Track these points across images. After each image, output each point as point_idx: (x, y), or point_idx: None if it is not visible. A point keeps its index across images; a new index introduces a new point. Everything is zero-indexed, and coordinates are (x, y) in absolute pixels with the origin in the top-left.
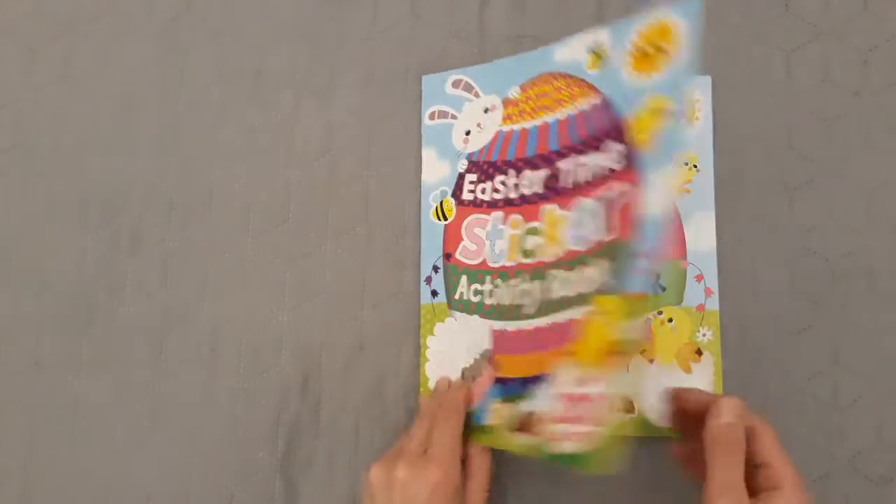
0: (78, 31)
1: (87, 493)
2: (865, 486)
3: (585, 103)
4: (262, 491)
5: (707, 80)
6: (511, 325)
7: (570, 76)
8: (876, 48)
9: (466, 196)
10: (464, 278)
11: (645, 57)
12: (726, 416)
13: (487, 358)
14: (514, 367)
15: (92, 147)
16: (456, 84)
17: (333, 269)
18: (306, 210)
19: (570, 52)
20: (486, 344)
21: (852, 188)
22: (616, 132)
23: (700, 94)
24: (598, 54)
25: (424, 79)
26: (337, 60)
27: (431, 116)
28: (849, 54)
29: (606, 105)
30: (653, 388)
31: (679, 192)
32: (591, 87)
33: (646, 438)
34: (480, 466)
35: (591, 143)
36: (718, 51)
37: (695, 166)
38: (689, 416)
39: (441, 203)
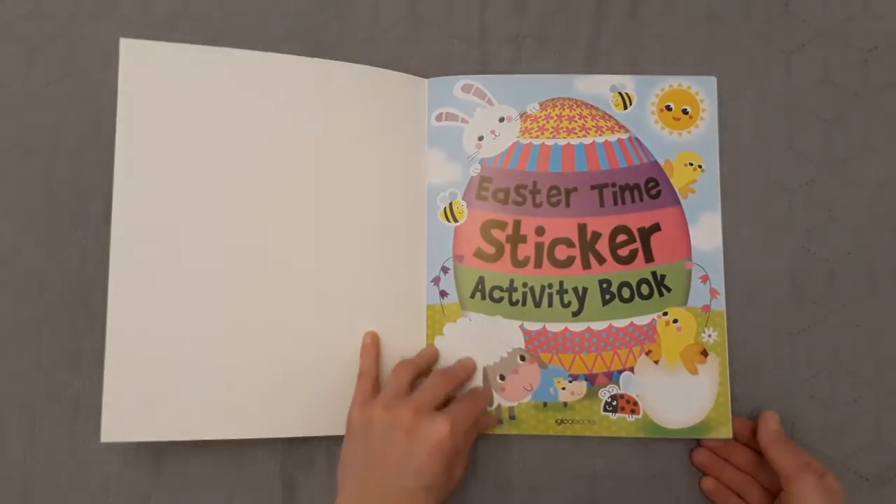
0: (78, 31)
1: (87, 493)
2: (863, 486)
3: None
4: (262, 490)
5: (712, 81)
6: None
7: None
8: (876, 48)
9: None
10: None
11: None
12: (773, 425)
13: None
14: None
15: (92, 147)
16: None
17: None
18: None
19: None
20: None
21: (852, 188)
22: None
23: (705, 94)
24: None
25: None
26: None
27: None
28: (849, 54)
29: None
30: (658, 389)
31: (685, 192)
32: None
33: (647, 438)
34: (473, 433)
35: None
36: (719, 51)
37: (699, 166)
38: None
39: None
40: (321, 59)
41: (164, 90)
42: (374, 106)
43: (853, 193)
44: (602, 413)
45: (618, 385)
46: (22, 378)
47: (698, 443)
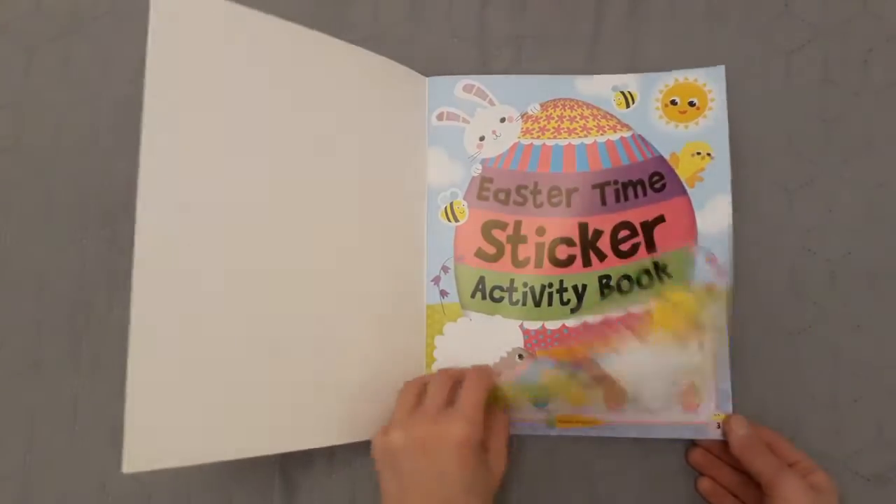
0: (78, 31)
1: (87, 493)
2: (863, 486)
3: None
4: (262, 490)
5: (720, 70)
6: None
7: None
8: (876, 48)
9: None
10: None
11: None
12: (740, 430)
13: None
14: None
15: (92, 147)
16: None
17: None
18: None
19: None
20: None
21: (852, 188)
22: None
23: (713, 85)
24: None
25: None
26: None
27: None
28: (849, 54)
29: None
30: (654, 369)
31: (692, 182)
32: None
33: (647, 439)
34: (501, 423)
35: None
36: (718, 51)
37: (708, 154)
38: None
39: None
40: (328, 36)
41: (196, 41)
42: (376, 95)
43: (853, 193)
44: (583, 391)
45: (599, 365)
46: (22, 378)
47: (693, 443)
